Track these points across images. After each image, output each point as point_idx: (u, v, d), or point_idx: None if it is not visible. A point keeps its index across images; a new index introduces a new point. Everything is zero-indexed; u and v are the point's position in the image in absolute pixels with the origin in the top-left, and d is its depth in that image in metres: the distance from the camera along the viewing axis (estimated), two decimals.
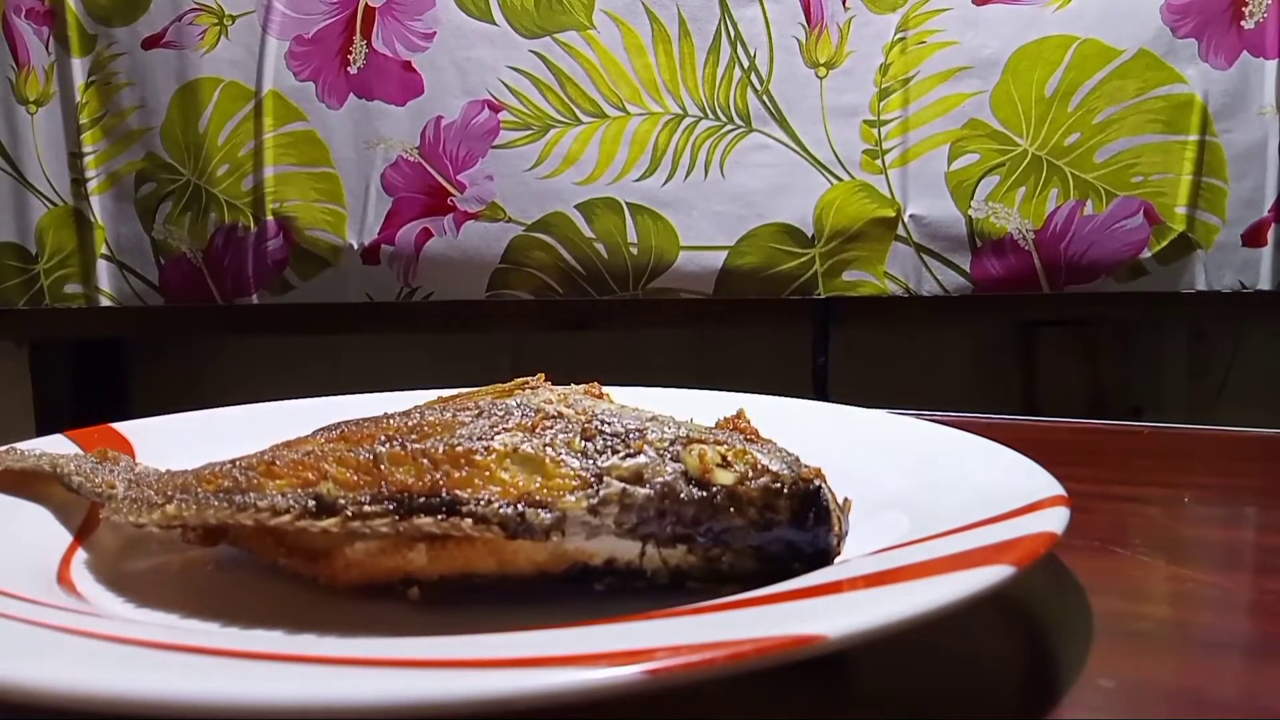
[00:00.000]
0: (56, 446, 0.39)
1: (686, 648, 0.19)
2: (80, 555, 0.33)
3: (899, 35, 0.96)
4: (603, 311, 1.04)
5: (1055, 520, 0.27)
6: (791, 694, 0.24)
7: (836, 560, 0.28)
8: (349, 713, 0.18)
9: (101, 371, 1.30)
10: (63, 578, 0.31)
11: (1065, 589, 0.31)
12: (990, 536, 0.26)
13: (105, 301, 1.08)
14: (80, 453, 0.38)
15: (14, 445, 0.39)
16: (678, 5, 0.98)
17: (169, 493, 0.30)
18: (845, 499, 0.29)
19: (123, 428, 0.45)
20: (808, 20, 0.97)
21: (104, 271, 1.08)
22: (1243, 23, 0.91)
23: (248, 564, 0.32)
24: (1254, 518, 0.45)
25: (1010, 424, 0.61)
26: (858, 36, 0.97)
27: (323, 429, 0.33)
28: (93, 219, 1.07)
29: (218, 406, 0.49)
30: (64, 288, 1.08)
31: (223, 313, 1.07)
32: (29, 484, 0.36)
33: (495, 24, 0.99)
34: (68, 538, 0.34)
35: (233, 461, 0.31)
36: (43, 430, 0.42)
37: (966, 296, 0.97)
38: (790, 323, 1.04)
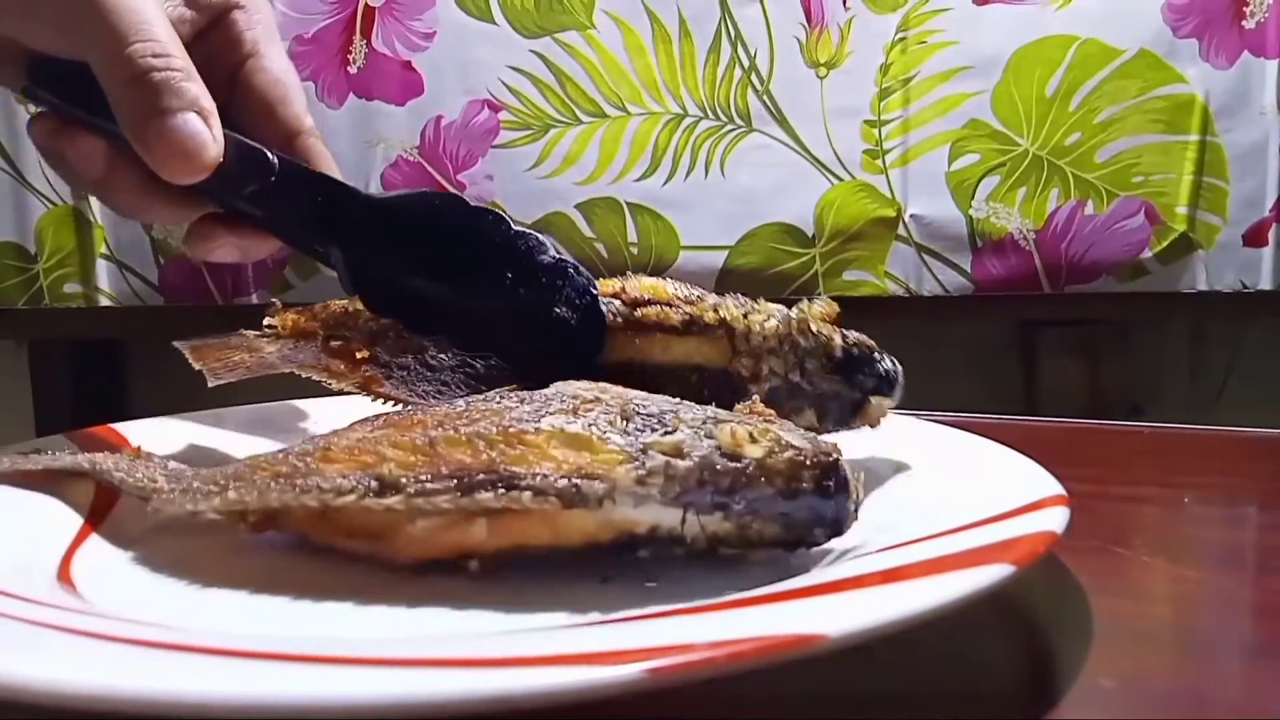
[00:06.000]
0: (56, 446, 0.39)
1: (686, 647, 0.19)
2: (81, 555, 0.33)
3: (899, 35, 0.96)
4: None
5: (1055, 520, 0.27)
6: (792, 694, 0.24)
7: (852, 525, 0.29)
8: (349, 713, 0.18)
9: (101, 371, 1.29)
10: (63, 577, 0.31)
11: (1065, 589, 0.31)
12: (990, 536, 0.26)
13: (105, 301, 1.07)
14: (117, 453, 0.38)
15: (9, 447, 0.39)
16: (678, 5, 0.98)
17: (221, 481, 0.32)
18: (858, 472, 0.30)
19: (123, 428, 0.45)
20: (808, 20, 0.97)
21: (104, 271, 1.07)
22: (1243, 23, 0.91)
23: (247, 564, 0.32)
24: (1254, 518, 0.45)
25: (1010, 424, 0.61)
26: (858, 36, 0.96)
27: (361, 421, 0.34)
28: (92, 219, 1.07)
29: (218, 406, 0.49)
30: (64, 287, 1.08)
31: (223, 313, 1.07)
32: (30, 484, 0.36)
33: (495, 24, 0.99)
34: (69, 537, 0.34)
35: (284, 451, 0.32)
36: (43, 430, 0.42)
37: (967, 296, 0.97)
38: None
